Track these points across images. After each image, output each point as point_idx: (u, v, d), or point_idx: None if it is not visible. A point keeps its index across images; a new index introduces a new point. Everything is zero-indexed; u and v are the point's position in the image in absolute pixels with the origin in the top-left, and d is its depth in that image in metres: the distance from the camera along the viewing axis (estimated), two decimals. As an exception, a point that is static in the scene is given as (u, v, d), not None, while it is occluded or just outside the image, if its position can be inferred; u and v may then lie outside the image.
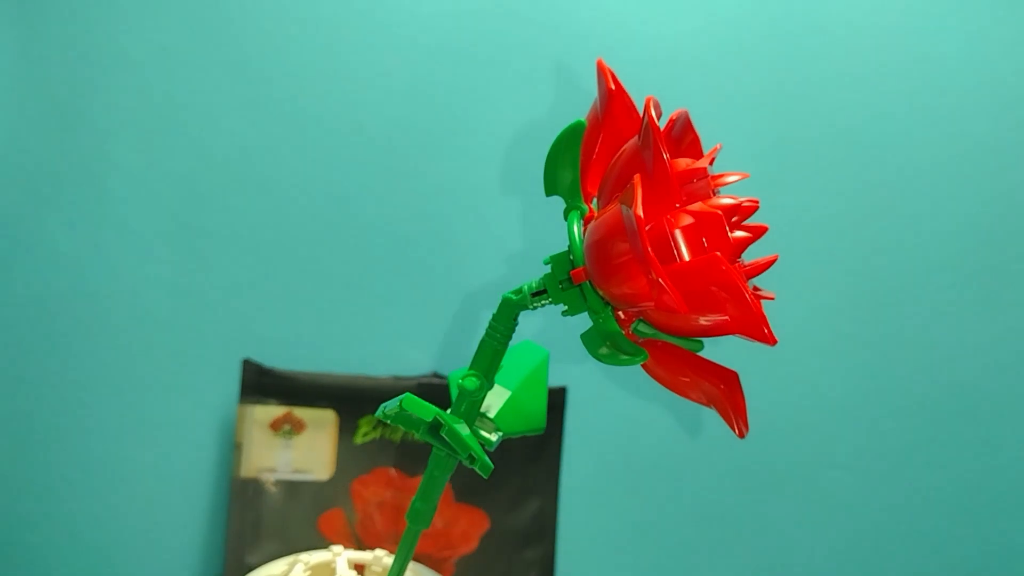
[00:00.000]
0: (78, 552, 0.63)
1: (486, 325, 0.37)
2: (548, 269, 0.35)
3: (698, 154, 0.35)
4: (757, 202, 0.33)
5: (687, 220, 0.31)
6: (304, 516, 0.61)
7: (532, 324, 0.58)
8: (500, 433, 0.38)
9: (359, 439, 0.62)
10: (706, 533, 0.67)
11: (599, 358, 0.33)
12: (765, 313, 0.30)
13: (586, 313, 0.35)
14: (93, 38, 0.61)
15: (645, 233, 0.28)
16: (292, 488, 0.61)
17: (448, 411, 0.37)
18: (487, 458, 0.35)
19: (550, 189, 0.35)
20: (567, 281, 0.34)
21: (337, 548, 0.43)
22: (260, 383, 0.61)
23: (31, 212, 0.61)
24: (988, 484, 0.68)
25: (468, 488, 0.63)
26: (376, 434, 0.63)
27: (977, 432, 0.67)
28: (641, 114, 0.34)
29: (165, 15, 0.61)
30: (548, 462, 0.65)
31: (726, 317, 0.30)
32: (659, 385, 0.67)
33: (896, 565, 0.68)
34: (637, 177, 0.29)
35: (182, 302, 0.63)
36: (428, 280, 0.64)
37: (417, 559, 0.43)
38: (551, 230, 0.63)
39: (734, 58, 0.65)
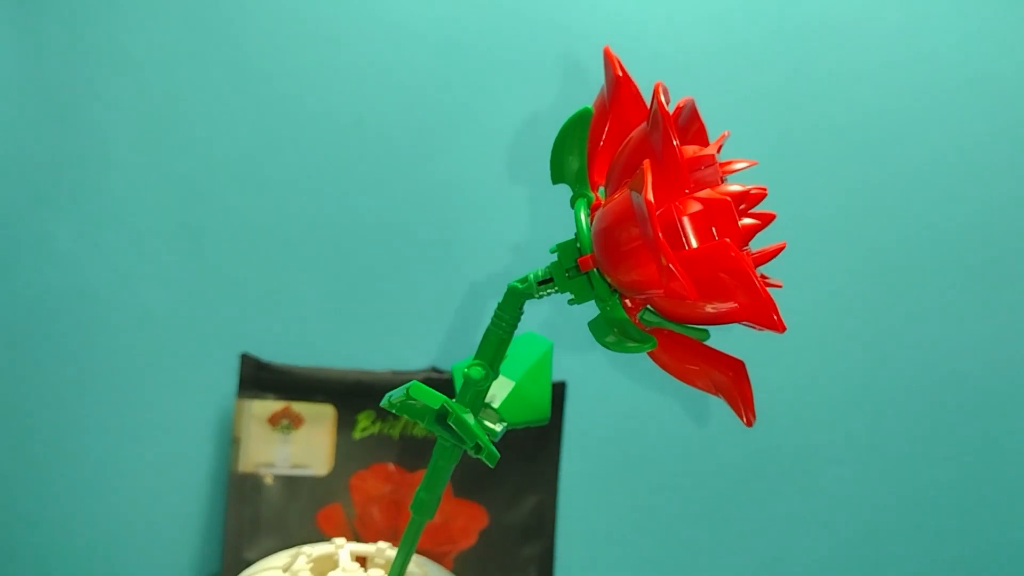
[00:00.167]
0: (76, 548, 0.62)
1: (487, 319, 0.37)
2: (554, 258, 0.35)
3: (704, 143, 0.35)
4: (765, 190, 0.33)
5: (696, 207, 0.31)
6: (302, 511, 0.61)
7: (531, 320, 0.58)
8: (504, 423, 0.38)
9: (358, 434, 0.62)
10: (706, 528, 0.67)
11: (606, 346, 0.33)
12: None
13: (590, 304, 0.35)
14: (93, 36, 0.60)
15: (656, 218, 0.28)
16: (290, 483, 0.61)
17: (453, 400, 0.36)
18: (493, 447, 0.35)
19: (557, 177, 0.35)
20: (574, 269, 0.34)
21: (340, 540, 0.43)
22: (258, 377, 0.61)
23: (30, 209, 0.61)
24: (989, 479, 0.68)
25: (467, 483, 0.63)
26: (375, 429, 0.62)
27: (979, 427, 0.68)
28: (647, 103, 0.34)
29: (165, 13, 0.61)
30: (547, 457, 0.64)
31: (735, 304, 0.30)
32: (659, 380, 0.67)
33: (897, 560, 0.68)
34: (647, 162, 0.29)
35: (180, 296, 0.62)
36: (430, 274, 0.64)
37: (417, 554, 0.42)
38: (555, 221, 0.63)
39: (740, 48, 0.65)
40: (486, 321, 0.37)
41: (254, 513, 0.60)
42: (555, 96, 0.63)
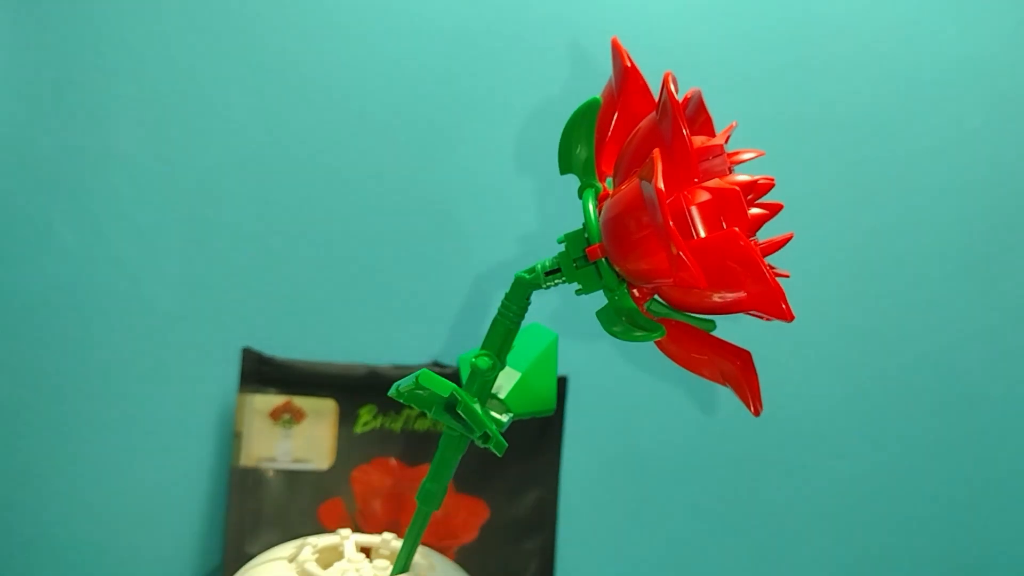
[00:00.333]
0: (78, 541, 0.62)
1: (490, 314, 0.37)
2: (561, 249, 0.35)
3: (711, 134, 0.35)
4: (773, 180, 0.33)
5: (704, 196, 0.31)
6: (304, 505, 0.61)
7: (530, 317, 0.58)
8: (511, 414, 0.38)
9: (359, 428, 0.62)
10: (706, 523, 0.67)
11: (614, 334, 0.33)
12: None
13: (590, 298, 0.35)
14: (96, 29, 0.60)
15: (667, 206, 0.28)
16: (292, 477, 0.61)
17: (460, 391, 0.36)
18: (501, 437, 0.35)
19: (564, 167, 0.35)
20: (582, 259, 0.34)
21: (345, 531, 0.43)
22: (260, 372, 0.61)
23: (31, 201, 0.61)
24: (991, 475, 0.68)
25: (468, 478, 0.63)
26: (376, 423, 0.62)
27: (981, 423, 0.68)
28: (655, 93, 0.34)
29: (168, 5, 0.61)
30: (548, 452, 0.65)
31: (743, 294, 0.30)
32: (660, 375, 0.67)
33: (898, 556, 0.68)
34: (656, 151, 0.29)
35: (182, 290, 0.62)
36: (433, 268, 0.64)
37: (421, 545, 0.42)
38: (561, 213, 0.63)
39: (745, 40, 0.65)
40: (489, 315, 0.37)
41: (255, 507, 0.60)
42: (562, 87, 0.63)
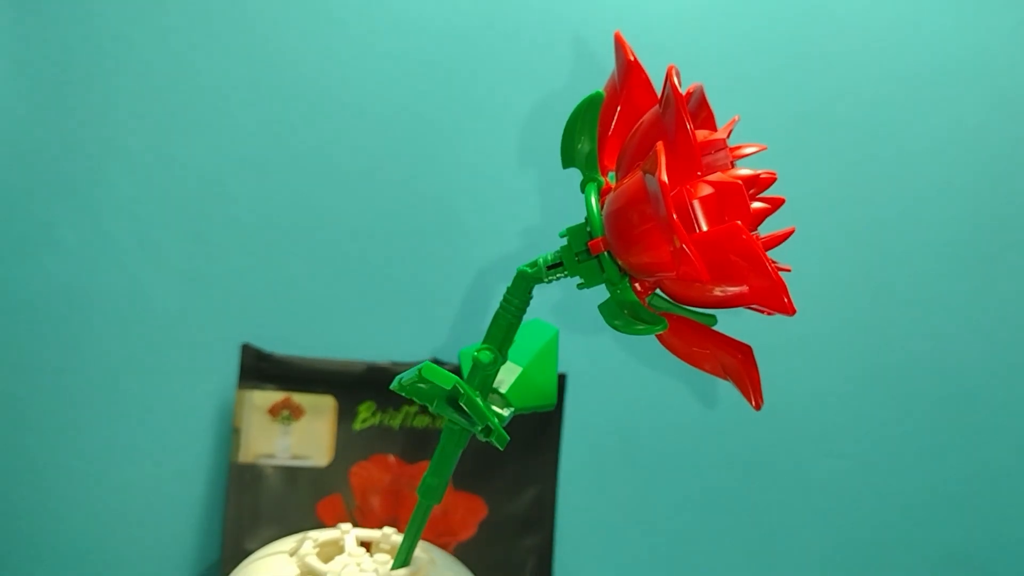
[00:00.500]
0: (76, 536, 0.62)
1: (490, 311, 0.37)
2: (563, 243, 0.35)
3: (712, 129, 0.36)
4: (775, 174, 0.33)
5: (706, 190, 0.31)
6: (302, 502, 0.61)
7: (532, 312, 0.58)
8: (512, 408, 0.38)
9: (358, 425, 0.62)
10: (704, 520, 0.67)
11: (616, 328, 0.33)
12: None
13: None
14: (97, 27, 0.60)
15: (670, 199, 0.28)
16: (290, 474, 0.61)
17: (461, 384, 0.37)
18: (503, 430, 0.35)
19: (567, 161, 0.35)
20: (584, 253, 0.34)
21: (345, 526, 0.43)
22: (259, 368, 0.61)
23: (31, 198, 0.61)
24: (988, 473, 0.68)
25: (466, 475, 0.63)
26: (375, 420, 0.62)
27: (978, 421, 0.68)
28: (657, 88, 0.34)
29: (167, 3, 0.61)
30: (547, 449, 0.65)
31: (745, 288, 0.30)
32: (659, 372, 0.67)
33: (895, 554, 0.68)
34: (660, 144, 0.29)
35: (181, 286, 0.62)
36: (432, 264, 0.64)
37: (421, 540, 0.42)
38: (561, 208, 0.63)
39: (746, 35, 0.65)
40: (488, 312, 0.38)
41: (254, 503, 0.60)
42: (564, 82, 0.63)
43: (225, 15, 0.61)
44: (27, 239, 0.61)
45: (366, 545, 0.44)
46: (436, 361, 0.63)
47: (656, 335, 0.34)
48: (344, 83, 0.63)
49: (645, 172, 0.30)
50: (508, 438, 0.35)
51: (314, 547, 0.41)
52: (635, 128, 0.33)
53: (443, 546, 0.62)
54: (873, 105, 0.66)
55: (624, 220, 0.31)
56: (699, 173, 0.31)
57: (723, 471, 0.67)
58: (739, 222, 0.29)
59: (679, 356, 0.35)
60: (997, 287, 0.68)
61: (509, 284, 0.37)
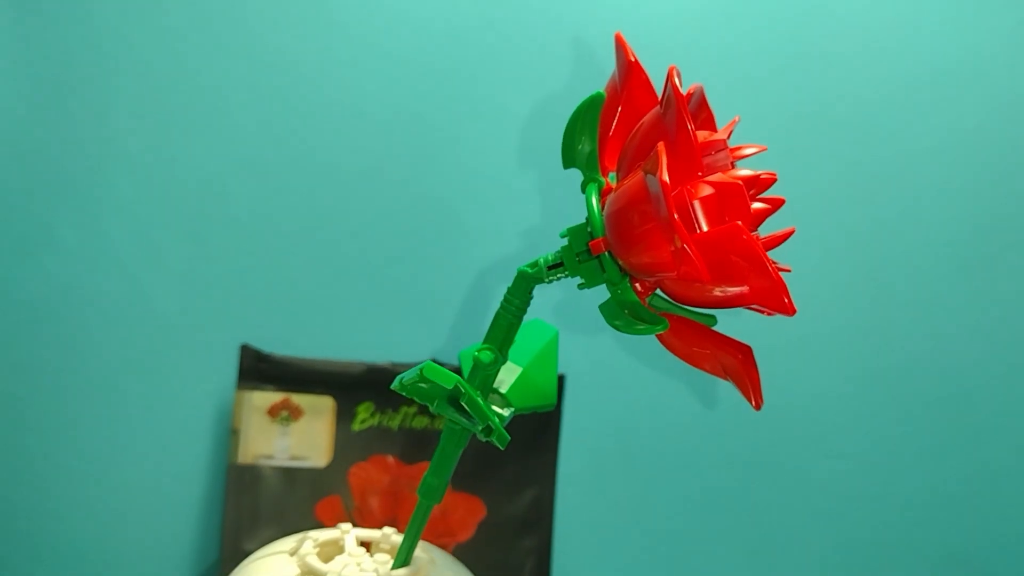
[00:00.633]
0: (75, 537, 0.62)
1: (490, 312, 0.37)
2: (563, 243, 0.35)
3: (712, 130, 0.36)
4: (775, 175, 0.33)
5: (707, 191, 0.31)
6: (301, 503, 0.61)
7: (532, 312, 0.58)
8: (512, 408, 0.38)
9: (357, 426, 0.62)
10: (704, 520, 0.67)
11: (616, 327, 0.33)
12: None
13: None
14: (97, 27, 0.60)
15: (671, 199, 0.28)
16: (289, 474, 0.61)
17: (462, 385, 0.37)
18: (504, 430, 0.35)
19: (568, 161, 0.35)
20: (585, 253, 0.34)
21: (345, 526, 0.43)
22: (258, 369, 0.61)
23: (30, 199, 0.61)
24: (988, 473, 0.68)
25: (465, 476, 0.63)
26: (374, 421, 0.62)
27: (978, 421, 0.68)
28: (658, 89, 0.34)
29: (167, 4, 0.61)
30: (545, 450, 0.65)
31: (745, 288, 0.30)
32: (658, 373, 0.67)
33: (895, 554, 0.68)
34: (661, 144, 0.29)
35: (180, 287, 0.62)
36: (432, 265, 0.64)
37: (421, 540, 0.42)
38: (562, 210, 0.63)
39: (748, 38, 0.65)
40: (487, 314, 0.38)
41: (253, 504, 0.60)
42: (564, 83, 0.63)
43: (225, 16, 0.61)
44: (27, 239, 0.61)
45: (366, 545, 0.44)
46: (435, 362, 0.63)
47: (656, 335, 0.34)
48: (344, 83, 0.63)
49: (646, 172, 0.30)
50: (509, 438, 0.35)
51: (314, 547, 0.41)
52: (636, 129, 0.33)
53: (442, 547, 0.62)
54: (873, 105, 0.66)
55: (625, 220, 0.31)
56: (700, 174, 0.31)
57: (723, 471, 0.67)
58: (739, 222, 0.29)
59: (679, 356, 0.35)
60: (997, 287, 0.68)
61: (510, 284, 0.37)
